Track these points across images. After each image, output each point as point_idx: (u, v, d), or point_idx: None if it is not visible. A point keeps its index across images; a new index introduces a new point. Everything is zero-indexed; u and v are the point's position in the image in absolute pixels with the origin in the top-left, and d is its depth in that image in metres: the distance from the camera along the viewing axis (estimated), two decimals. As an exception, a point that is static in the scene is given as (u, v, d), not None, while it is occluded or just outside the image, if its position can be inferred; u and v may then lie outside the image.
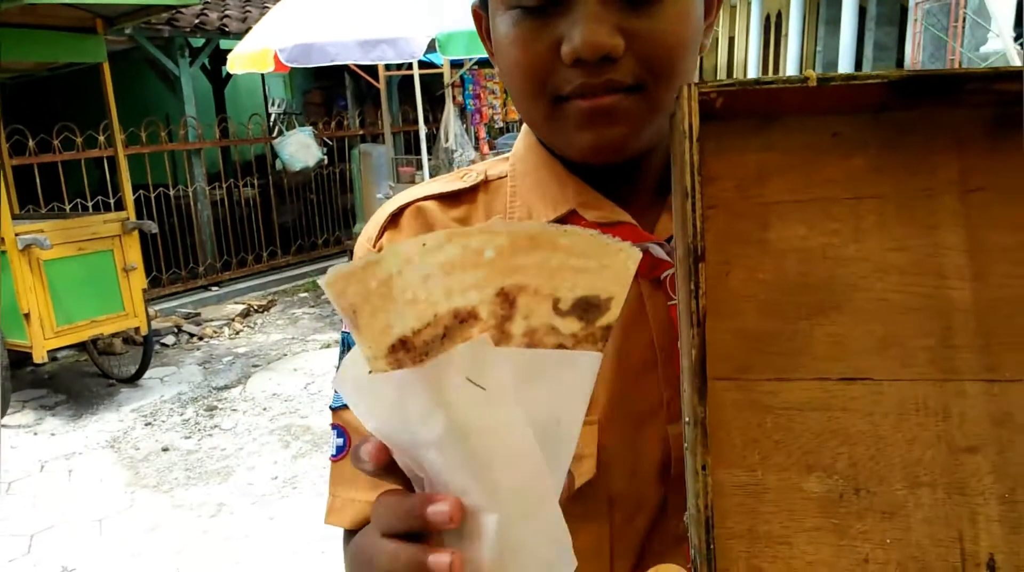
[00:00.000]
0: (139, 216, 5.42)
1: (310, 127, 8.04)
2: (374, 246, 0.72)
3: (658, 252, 0.65)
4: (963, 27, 8.37)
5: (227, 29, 7.57)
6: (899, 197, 0.52)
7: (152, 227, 5.18)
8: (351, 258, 0.71)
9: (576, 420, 0.42)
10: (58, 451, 4.28)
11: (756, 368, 0.53)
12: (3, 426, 4.63)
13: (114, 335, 5.21)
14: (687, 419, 0.52)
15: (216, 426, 4.50)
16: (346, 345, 0.74)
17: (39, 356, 4.60)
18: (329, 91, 10.41)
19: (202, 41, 7.83)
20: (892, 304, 0.52)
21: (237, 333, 6.39)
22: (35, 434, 4.55)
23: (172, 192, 7.09)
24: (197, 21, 7.33)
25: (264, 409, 4.71)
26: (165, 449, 4.21)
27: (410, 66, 6.17)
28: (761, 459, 0.52)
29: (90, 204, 6.22)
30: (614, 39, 0.58)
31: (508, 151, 0.77)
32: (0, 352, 4.45)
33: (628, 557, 0.68)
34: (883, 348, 0.52)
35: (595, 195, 0.68)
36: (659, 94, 0.61)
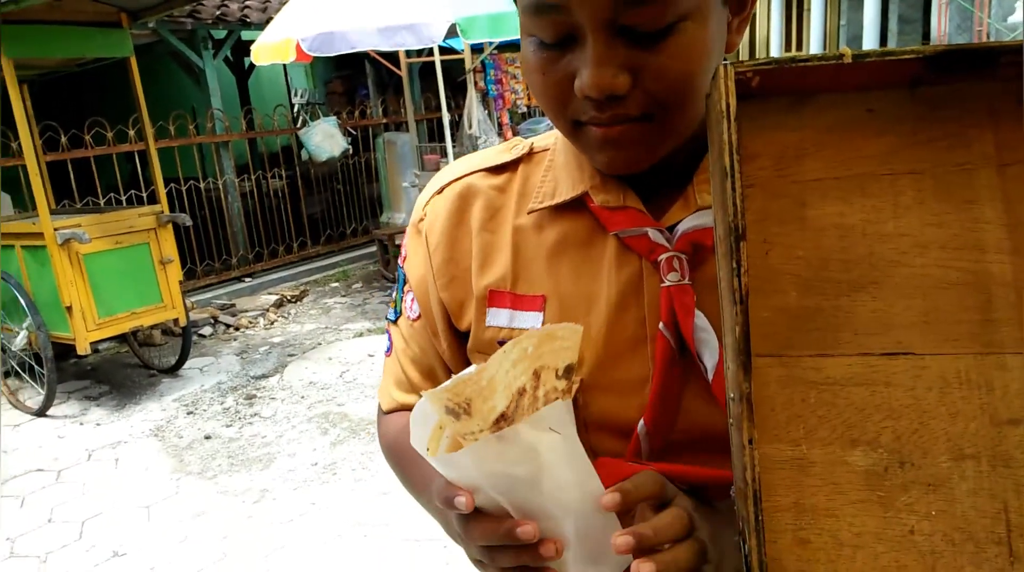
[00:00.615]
0: (171, 209, 5.50)
1: (334, 117, 8.08)
2: (423, 209, 0.84)
3: (656, 237, 0.68)
4: (990, -3, 8.14)
5: (248, 20, 7.62)
6: (936, 172, 0.53)
7: (186, 220, 5.25)
8: (380, 248, 0.86)
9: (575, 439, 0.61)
10: (104, 440, 4.40)
11: (798, 344, 0.54)
12: (50, 416, 4.76)
13: (153, 327, 5.31)
14: (732, 395, 0.53)
15: (256, 414, 4.59)
16: (401, 288, 0.88)
17: (82, 348, 4.71)
18: (351, 80, 10.43)
19: (224, 33, 7.88)
20: (932, 279, 0.52)
21: (272, 323, 6.48)
22: (81, 424, 4.67)
23: (202, 185, 7.19)
24: (218, 13, 7.38)
25: (302, 397, 4.79)
26: (207, 437, 4.30)
27: (431, 52, 6.16)
28: (805, 434, 0.53)
29: (123, 198, 6.33)
30: (619, 78, 0.60)
31: (532, 135, 0.80)
32: (45, 344, 4.57)
33: None
34: (924, 323, 0.53)
35: (608, 179, 0.72)
36: (669, 121, 0.64)
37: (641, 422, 0.67)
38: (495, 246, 0.77)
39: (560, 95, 0.64)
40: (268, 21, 6.46)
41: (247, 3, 7.95)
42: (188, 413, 4.68)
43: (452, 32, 5.24)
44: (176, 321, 5.13)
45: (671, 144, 0.67)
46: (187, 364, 5.37)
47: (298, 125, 8.22)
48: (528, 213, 0.76)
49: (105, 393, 5.16)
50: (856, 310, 0.53)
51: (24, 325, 4.75)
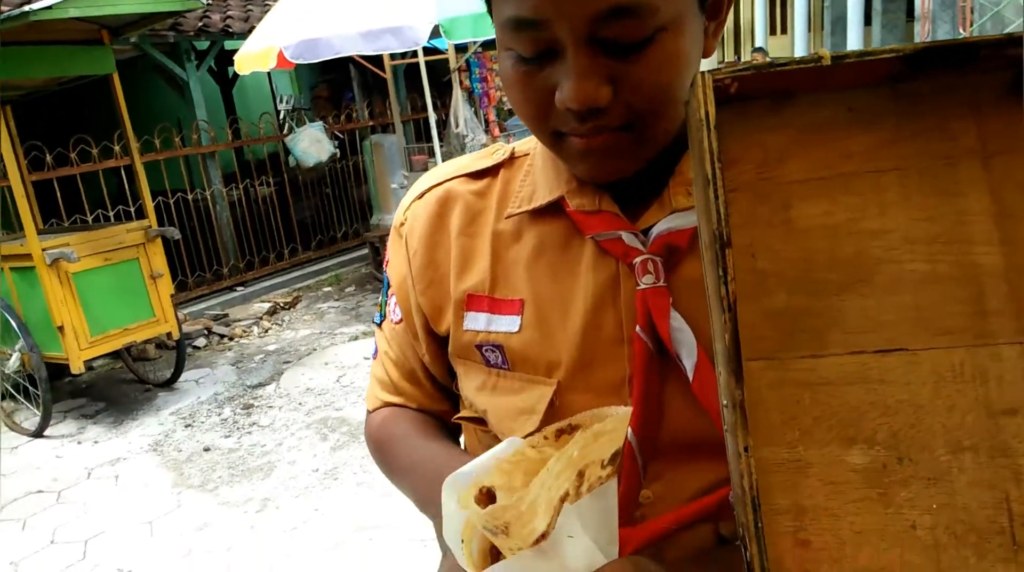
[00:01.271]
0: (160, 222, 5.47)
1: (320, 122, 8.05)
2: (403, 213, 0.85)
3: (630, 240, 0.69)
4: (974, -28, 8.15)
5: (231, 30, 7.59)
6: (920, 167, 0.53)
7: (175, 233, 5.23)
8: (371, 251, 0.90)
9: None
10: (103, 458, 4.38)
11: (790, 347, 0.54)
12: (47, 437, 4.74)
13: (147, 341, 5.28)
14: (725, 402, 0.53)
15: (254, 423, 4.58)
16: (385, 293, 0.89)
17: (76, 367, 4.68)
18: (336, 84, 10.40)
19: (207, 44, 7.85)
20: (921, 274, 0.53)
21: (266, 331, 6.46)
22: (79, 443, 4.65)
23: (190, 196, 7.16)
24: (200, 24, 7.35)
25: (299, 404, 4.78)
26: (207, 449, 4.29)
27: (415, 54, 6.14)
28: (801, 435, 0.53)
29: (111, 214, 6.30)
30: (600, 91, 0.60)
31: (519, 131, 0.81)
32: (39, 365, 4.54)
33: None
34: (916, 318, 0.53)
35: (585, 183, 0.72)
36: (649, 130, 0.64)
37: (629, 429, 0.67)
38: (474, 250, 0.77)
39: (541, 108, 0.64)
40: (251, 30, 6.43)
41: (229, 13, 7.92)
42: (186, 426, 4.67)
43: (436, 32, 5.22)
44: (169, 335, 5.11)
45: (651, 152, 0.67)
46: (183, 377, 5.35)
47: (284, 131, 8.19)
48: (506, 218, 0.76)
49: (102, 410, 5.14)
50: (846, 309, 0.53)
51: (16, 347, 4.72)
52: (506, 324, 0.74)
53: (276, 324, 6.63)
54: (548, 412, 0.71)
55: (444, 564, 0.76)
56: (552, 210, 0.74)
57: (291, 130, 7.92)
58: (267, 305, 6.97)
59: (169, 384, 5.31)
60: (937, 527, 0.52)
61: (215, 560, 3.21)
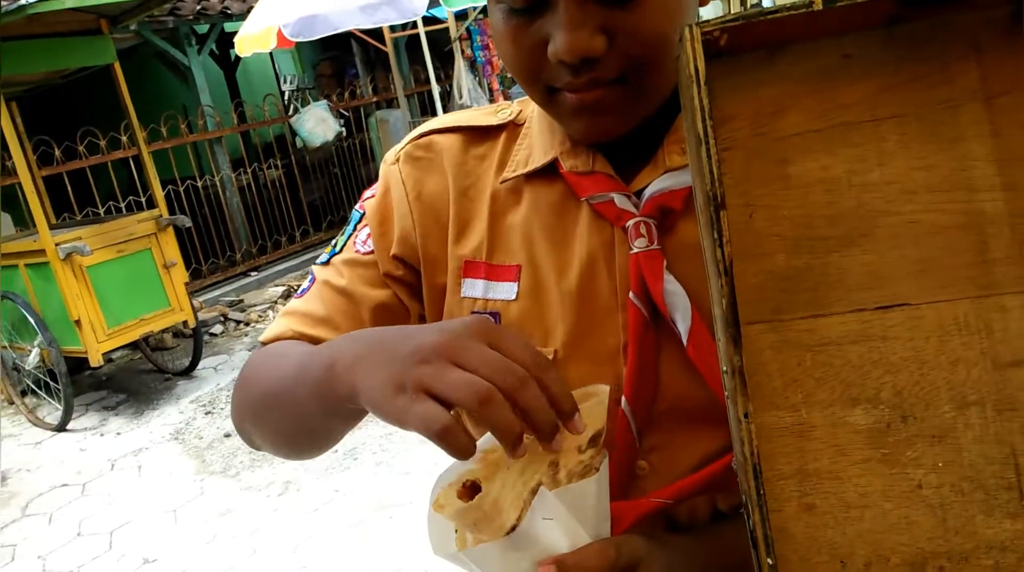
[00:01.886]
0: (171, 211, 5.50)
1: (325, 101, 8.01)
2: (400, 150, 0.80)
3: (622, 202, 0.67)
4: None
5: (229, 12, 7.54)
6: (920, 113, 0.51)
7: (185, 222, 5.25)
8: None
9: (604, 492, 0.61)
10: (126, 448, 4.43)
11: (790, 308, 0.52)
12: (70, 431, 4.80)
13: (164, 331, 5.33)
14: (725, 368, 0.51)
15: (273, 407, 4.61)
16: (353, 226, 0.81)
17: (95, 360, 4.74)
18: (338, 61, 10.33)
19: (207, 27, 7.80)
20: (923, 225, 0.51)
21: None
22: (101, 435, 4.71)
23: (199, 183, 7.16)
24: (199, 7, 7.30)
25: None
26: (227, 435, 4.34)
27: (415, 25, 6.08)
28: (804, 398, 0.52)
29: (123, 205, 6.32)
30: (594, 41, 0.58)
31: (524, 99, 0.79)
32: (58, 360, 4.59)
33: None
34: (918, 271, 0.51)
35: (579, 144, 0.70)
36: (644, 82, 0.62)
37: (623, 397, 0.66)
38: (473, 214, 0.75)
39: (532, 62, 0.62)
40: (249, 11, 6.38)
41: (226, -5, 7.87)
42: (206, 413, 4.71)
43: (435, 1, 5.16)
44: (185, 323, 5.15)
45: (647, 108, 0.65)
46: (201, 364, 5.39)
47: (289, 112, 8.16)
48: (501, 182, 0.74)
49: (122, 402, 5.20)
50: (847, 266, 0.52)
51: (35, 343, 4.77)
52: (503, 291, 0.72)
53: (291, 307, 6.66)
54: None
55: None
56: (548, 173, 0.72)
57: (296, 110, 7.89)
58: (281, 289, 7.00)
59: (188, 372, 5.36)
60: (943, 486, 0.50)
61: (240, 544, 3.25)
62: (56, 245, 4.51)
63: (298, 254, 7.97)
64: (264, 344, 0.79)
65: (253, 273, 7.49)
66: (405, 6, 5.05)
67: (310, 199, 8.28)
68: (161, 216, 5.03)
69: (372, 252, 0.78)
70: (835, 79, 0.51)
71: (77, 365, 5.24)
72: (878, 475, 0.51)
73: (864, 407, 0.51)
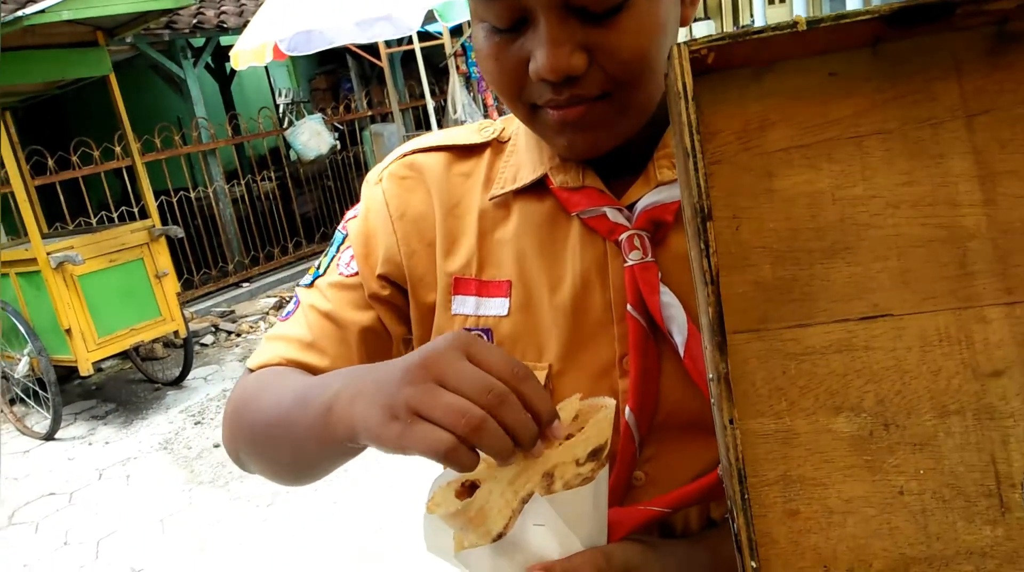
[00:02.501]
0: (163, 221, 5.49)
1: (319, 114, 8.04)
2: (383, 170, 0.80)
3: (615, 216, 0.67)
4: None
5: (225, 25, 7.57)
6: (903, 130, 0.52)
7: (178, 232, 5.24)
8: None
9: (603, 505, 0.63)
10: (114, 458, 4.41)
11: (775, 317, 0.54)
12: (58, 440, 4.77)
13: (154, 341, 5.32)
14: (711, 375, 0.52)
15: (263, 419, 4.60)
16: (336, 247, 0.81)
17: (85, 369, 4.71)
18: (334, 75, 10.39)
19: (202, 40, 7.84)
20: (906, 238, 0.52)
21: (272, 326, 6.48)
22: (90, 444, 4.68)
23: (193, 194, 7.16)
24: (195, 21, 7.34)
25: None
26: (216, 445, 4.32)
27: (410, 40, 6.13)
28: (788, 406, 0.53)
29: (115, 215, 6.31)
30: (574, 58, 0.59)
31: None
32: (47, 369, 4.57)
33: None
34: (901, 283, 0.52)
35: (568, 159, 0.71)
36: (627, 98, 0.63)
37: (628, 409, 0.66)
38: (461, 231, 0.75)
39: (515, 80, 0.63)
40: (245, 25, 6.41)
41: (223, 8, 7.91)
42: (196, 424, 4.69)
43: (430, 17, 5.20)
44: (176, 333, 5.14)
45: (631, 124, 0.66)
46: (191, 374, 5.38)
47: (284, 125, 8.18)
48: (490, 199, 0.74)
49: (112, 411, 5.17)
50: (831, 277, 0.53)
51: (25, 351, 4.75)
52: (495, 307, 0.72)
53: (282, 319, 6.64)
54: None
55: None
56: (537, 189, 0.72)
57: (290, 123, 7.91)
58: (273, 300, 6.99)
59: (178, 382, 5.34)
60: (924, 492, 0.51)
61: (228, 555, 3.23)
62: (48, 254, 4.50)
63: (291, 265, 7.96)
64: (251, 370, 0.79)
65: (245, 284, 7.48)
66: (400, 22, 5.09)
67: (303, 211, 8.29)
68: (154, 226, 5.03)
69: (356, 274, 0.77)
70: (821, 96, 0.53)
71: (66, 374, 5.22)
72: (861, 481, 0.52)
73: (847, 415, 0.53)
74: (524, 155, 0.74)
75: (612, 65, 0.60)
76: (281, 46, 5.33)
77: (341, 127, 8.35)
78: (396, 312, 0.78)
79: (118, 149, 6.25)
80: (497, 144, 0.78)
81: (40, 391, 4.86)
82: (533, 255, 0.72)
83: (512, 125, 0.79)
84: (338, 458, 0.69)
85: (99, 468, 4.32)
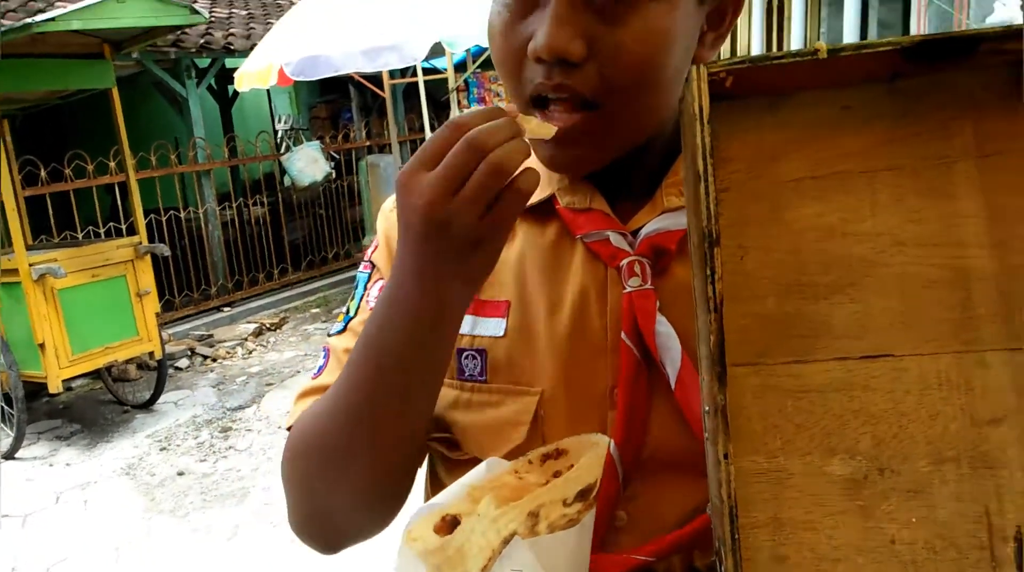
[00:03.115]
0: (151, 240, 5.45)
1: (317, 142, 8.08)
2: (388, 211, 0.79)
3: (617, 241, 0.66)
4: (969, -2, 8.34)
5: (232, 47, 7.63)
6: (915, 167, 0.52)
7: (164, 250, 5.20)
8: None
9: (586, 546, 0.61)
10: (74, 481, 4.28)
11: (775, 352, 0.52)
12: (18, 459, 4.62)
13: (128, 361, 5.23)
14: (707, 408, 0.51)
15: (231, 447, 4.51)
16: (363, 286, 0.79)
17: (54, 386, 4.60)
18: (335, 105, 10.47)
19: (208, 61, 7.89)
20: (911, 277, 0.51)
21: (250, 353, 6.41)
22: (51, 465, 4.55)
23: (183, 214, 7.13)
24: (202, 41, 7.39)
25: (279, 428, 4.71)
26: (180, 473, 4.21)
27: (414, 73, 6.20)
28: (783, 444, 0.52)
29: (102, 231, 6.27)
30: (574, 43, 0.58)
31: None
32: (15, 385, 4.46)
33: None
34: (904, 323, 0.51)
35: (577, 181, 0.70)
36: (616, 113, 0.62)
37: (612, 443, 0.63)
38: None
39: (517, 62, 0.62)
40: (252, 48, 6.48)
41: (231, 31, 7.98)
42: (161, 449, 4.59)
43: (436, 52, 5.28)
44: (152, 354, 5.05)
45: (617, 144, 0.65)
46: (162, 398, 5.27)
47: (282, 151, 8.21)
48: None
49: (77, 432, 5.04)
50: (834, 313, 0.52)
51: (-6, 364, 4.64)
52: (491, 327, 0.70)
53: (261, 345, 6.57)
54: (534, 423, 0.67)
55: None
56: (544, 210, 0.72)
57: (287, 149, 7.94)
58: (253, 326, 6.92)
59: (148, 405, 5.23)
60: (916, 542, 0.50)
61: (184, 583, 3.13)
62: (30, 265, 4.44)
63: (274, 292, 7.91)
64: (289, 429, 0.74)
65: (226, 308, 7.41)
66: (406, 51, 5.15)
67: (292, 238, 8.27)
68: (140, 243, 4.99)
69: None
70: (835, 129, 0.53)
71: (35, 391, 5.10)
72: (852, 528, 0.51)
73: (842, 457, 0.51)
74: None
75: (610, 66, 0.59)
76: (287, 70, 5.37)
77: (338, 156, 8.39)
78: None
79: (113, 164, 6.24)
80: None
81: (6, 407, 4.72)
82: (534, 277, 0.70)
83: None
84: (432, 351, 0.61)
85: (57, 491, 4.19)
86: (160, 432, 4.84)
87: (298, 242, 8.37)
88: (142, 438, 4.78)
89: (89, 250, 4.79)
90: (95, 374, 5.24)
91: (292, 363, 5.98)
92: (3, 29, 4.16)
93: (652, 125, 0.66)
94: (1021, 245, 0.50)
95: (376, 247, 0.80)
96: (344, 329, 0.77)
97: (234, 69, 6.31)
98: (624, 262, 0.66)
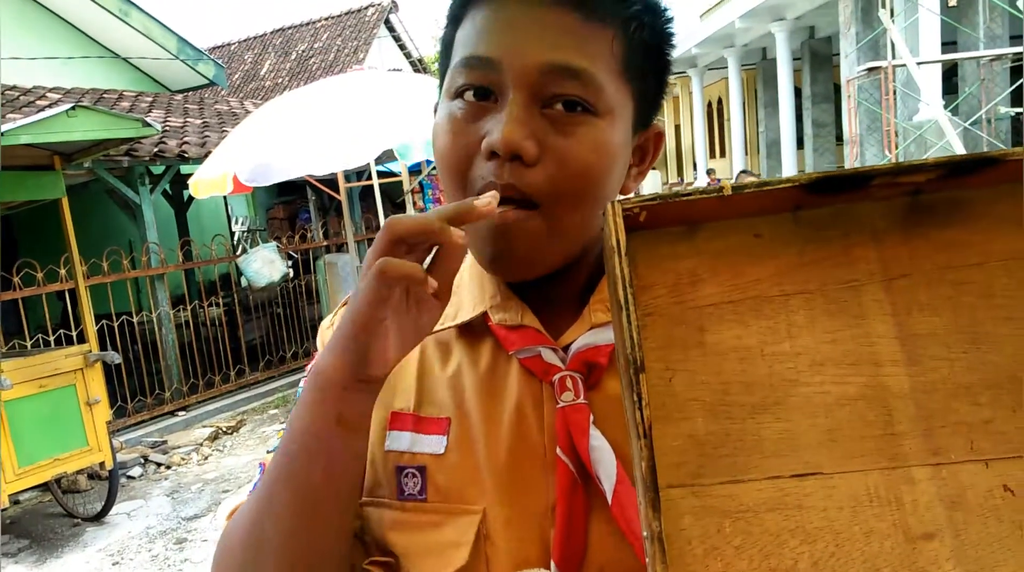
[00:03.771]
0: (103, 346, 5.33)
1: (274, 243, 8.09)
2: (334, 317, 0.81)
3: (549, 357, 0.68)
4: (895, 99, 8.84)
5: (187, 155, 7.68)
6: (825, 290, 0.54)
7: (115, 358, 5.08)
8: None
9: None
10: (20, 602, 4.05)
11: (710, 472, 0.53)
12: (-39, 580, 4.39)
13: (79, 472, 5.02)
14: (645, 533, 0.51)
15: (187, 560, 4.31)
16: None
17: (1, 502, 4.40)
18: (292, 205, 10.54)
19: (162, 168, 7.92)
20: (832, 396, 0.53)
21: (206, 458, 6.21)
22: (-4, 585, 4.31)
23: (136, 319, 7.01)
24: (156, 149, 7.44)
25: (238, 536, 4.54)
26: (134, 590, 4.02)
27: (370, 176, 6.30)
28: (724, 567, 0.51)
29: (52, 338, 6.12)
30: (528, 142, 0.61)
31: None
32: (-42, 500, 4.26)
33: None
34: (829, 440, 0.52)
35: (508, 297, 0.71)
36: (558, 215, 0.64)
37: (552, 563, 0.63)
38: (401, 368, 0.74)
39: (464, 157, 0.64)
40: (207, 154, 6.53)
41: (185, 139, 8.05)
42: (113, 564, 4.38)
43: (390, 155, 5.37)
44: (102, 464, 4.87)
45: (560, 250, 0.67)
46: (114, 509, 5.05)
47: (238, 252, 8.18)
48: (431, 333, 0.74)
49: (25, 548, 4.80)
50: (762, 432, 0.53)
51: (-64, 479, 4.44)
52: (431, 445, 0.70)
53: (217, 450, 6.38)
54: (476, 544, 0.67)
55: None
56: (478, 329, 0.73)
57: (243, 251, 7.92)
58: (208, 430, 6.73)
59: (99, 518, 5.01)
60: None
61: None
62: (-26, 377, 4.30)
63: (231, 393, 7.73)
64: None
65: (181, 413, 7.21)
66: (354, 154, 5.23)
67: (249, 338, 8.15)
68: (90, 351, 4.87)
69: None
70: (747, 256, 0.55)
71: (-21, 507, 4.86)
72: (797, 652, 0.50)
73: (782, 578, 0.51)
74: (466, 293, 0.75)
75: (558, 170, 0.62)
76: (241, 177, 5.42)
77: (295, 256, 8.39)
78: None
79: (63, 271, 6.15)
80: None
81: (-53, 525, 4.50)
82: (472, 395, 0.71)
83: None
84: (343, 450, 0.61)
85: (1, 613, 3.96)
86: (112, 545, 4.62)
87: (255, 342, 8.25)
88: (93, 552, 4.55)
89: (37, 360, 4.66)
90: (44, 486, 5.02)
91: (249, 468, 5.81)
92: (-49, 143, 4.14)
93: (585, 238, 0.68)
94: (933, 363, 0.52)
95: (314, 361, 0.80)
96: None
97: (189, 174, 6.34)
98: (556, 377, 0.67)
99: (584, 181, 0.63)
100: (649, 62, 0.68)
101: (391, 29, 18.15)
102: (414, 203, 6.86)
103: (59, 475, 4.73)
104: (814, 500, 0.52)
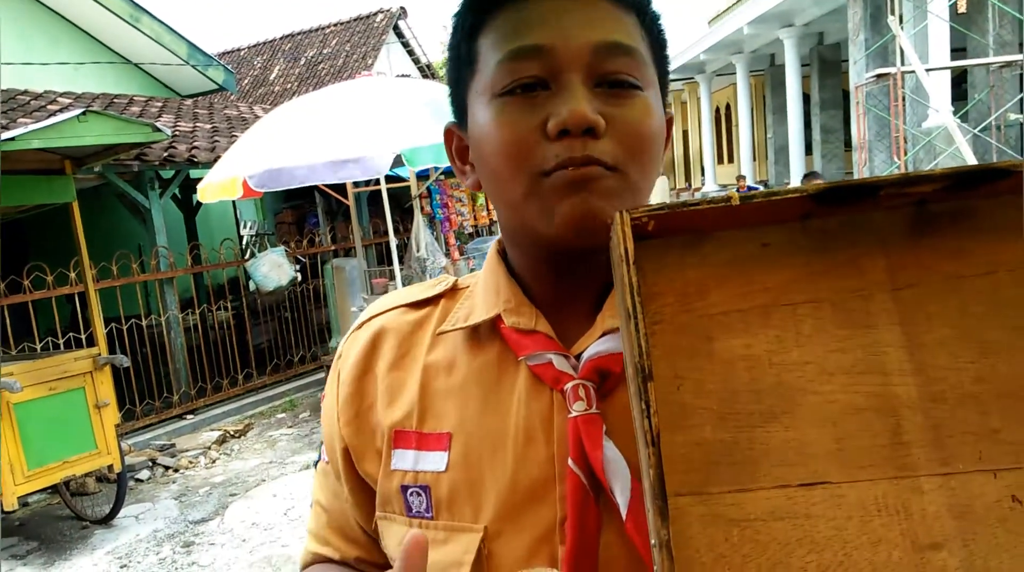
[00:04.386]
0: (111, 349, 5.35)
1: (282, 246, 8.12)
2: (343, 345, 0.82)
3: (561, 364, 0.66)
4: (904, 106, 8.82)
5: (196, 159, 7.72)
6: (833, 300, 0.54)
7: (124, 361, 5.11)
8: (328, 373, 0.84)
9: None
10: (29, 604, 4.07)
11: (717, 480, 0.53)
12: (-31, 582, 4.41)
13: (87, 475, 5.05)
14: (653, 541, 0.51)
15: (194, 563, 4.32)
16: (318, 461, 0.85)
17: (9, 504, 4.42)
18: (300, 210, 10.58)
19: (172, 172, 7.96)
20: (840, 405, 0.53)
21: (213, 461, 6.23)
22: (5, 587, 4.33)
23: (144, 322, 7.04)
24: (166, 154, 7.48)
25: (243, 540, 4.54)
26: (142, 592, 4.03)
27: (378, 182, 6.31)
28: (731, 575, 0.52)
29: (61, 341, 6.15)
30: (597, 116, 0.63)
31: (479, 254, 0.81)
32: (-32, 503, 4.29)
33: None
34: (838, 450, 0.52)
35: (522, 302, 0.71)
36: (634, 176, 0.65)
37: None
38: (403, 383, 0.74)
39: (526, 146, 0.64)
40: (216, 159, 6.56)
41: (195, 144, 8.09)
42: (121, 567, 4.39)
43: (399, 161, 5.38)
44: (111, 467, 4.89)
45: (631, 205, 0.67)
46: (122, 512, 5.07)
47: (246, 256, 8.21)
48: (437, 334, 0.74)
49: (33, 550, 4.82)
50: (770, 441, 0.53)
51: (-54, 481, 4.46)
52: (433, 462, 0.69)
53: (225, 453, 6.40)
54: (476, 564, 0.65)
55: None
56: (487, 335, 0.72)
57: (252, 255, 7.95)
58: (216, 434, 6.75)
59: (107, 520, 5.03)
60: None
61: None
62: (-15, 380, 4.33)
63: (239, 397, 7.75)
64: (301, 568, 0.86)
65: (189, 416, 7.24)
66: (369, 165, 5.24)
67: (257, 342, 8.18)
68: (99, 355, 4.89)
69: (328, 460, 0.81)
70: (755, 265, 0.55)
71: (-11, 509, 4.88)
72: (807, 659, 0.50)
73: (791, 587, 0.51)
74: (480, 298, 0.74)
75: (624, 136, 0.64)
76: (251, 182, 5.43)
77: (303, 260, 8.42)
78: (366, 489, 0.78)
79: (73, 275, 6.18)
80: (451, 293, 0.79)
81: (-43, 527, 4.53)
82: (476, 405, 0.70)
83: (469, 279, 0.80)
84: None
85: (10, 615, 3.97)
86: (120, 548, 4.64)
87: (263, 346, 8.28)
88: (101, 555, 4.57)
89: (46, 363, 4.69)
90: (52, 489, 5.04)
91: (257, 471, 5.82)
92: (-37, 148, 4.18)
93: (646, 203, 0.68)
94: (941, 373, 0.52)
95: (324, 396, 0.83)
96: (316, 464, 0.86)
97: (198, 179, 6.37)
98: (568, 386, 0.65)
99: (648, 144, 0.66)
100: (658, 50, 0.71)
101: (400, 35, 18.24)
102: (422, 208, 6.89)
103: (68, 478, 4.75)
104: (822, 509, 0.52)
